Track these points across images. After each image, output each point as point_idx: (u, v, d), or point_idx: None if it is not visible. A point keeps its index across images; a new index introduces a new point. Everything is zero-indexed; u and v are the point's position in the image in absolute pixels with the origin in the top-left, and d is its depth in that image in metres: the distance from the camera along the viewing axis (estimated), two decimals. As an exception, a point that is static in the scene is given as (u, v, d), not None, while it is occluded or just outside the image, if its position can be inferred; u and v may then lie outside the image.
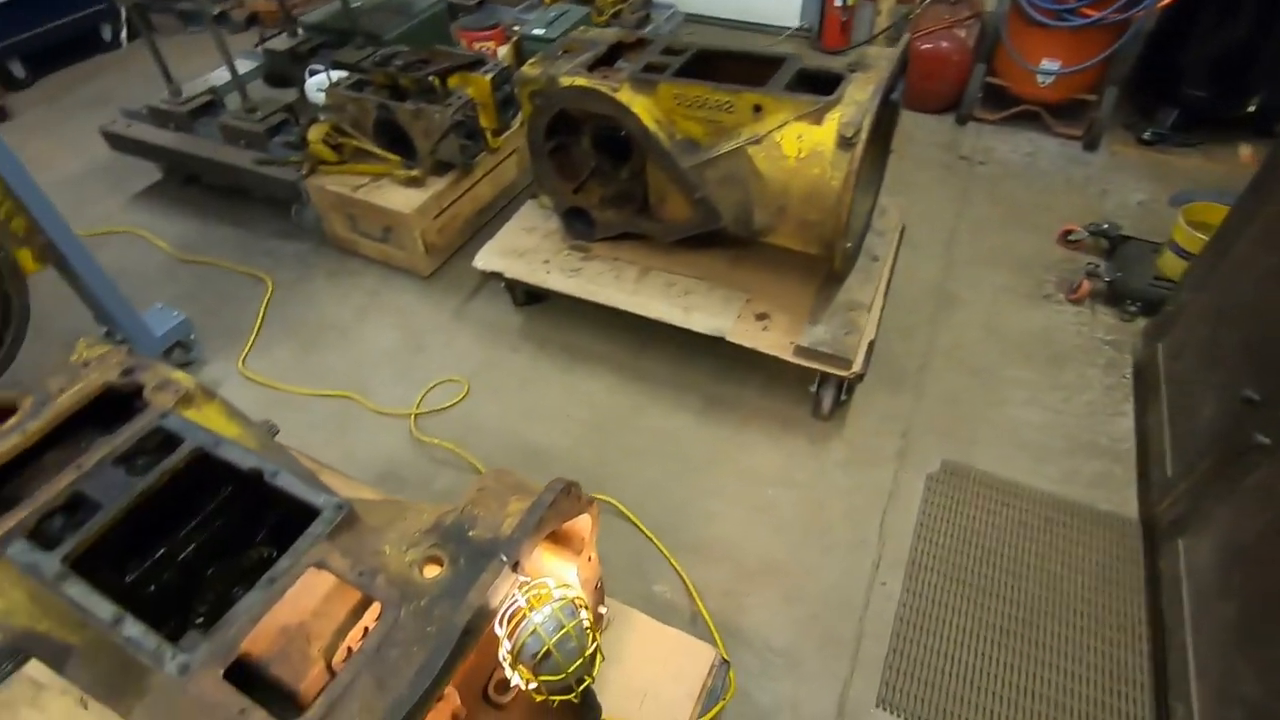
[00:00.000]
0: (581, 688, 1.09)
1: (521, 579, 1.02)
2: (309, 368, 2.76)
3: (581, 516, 1.15)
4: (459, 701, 1.29)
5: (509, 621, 1.04)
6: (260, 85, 4.06)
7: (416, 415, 2.55)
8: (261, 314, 2.98)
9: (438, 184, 3.00)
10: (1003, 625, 1.94)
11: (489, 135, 3.14)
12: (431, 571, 1.03)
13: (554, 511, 1.04)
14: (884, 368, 2.60)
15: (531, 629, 1.00)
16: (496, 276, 2.73)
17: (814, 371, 2.31)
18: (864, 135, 1.98)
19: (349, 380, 2.70)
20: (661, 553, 2.12)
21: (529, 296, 2.89)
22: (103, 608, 1.00)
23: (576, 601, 1.07)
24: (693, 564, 2.10)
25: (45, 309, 2.63)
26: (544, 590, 1.04)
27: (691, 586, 2.04)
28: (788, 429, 2.45)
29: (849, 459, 2.36)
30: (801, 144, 2.08)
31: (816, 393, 2.40)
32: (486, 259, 2.71)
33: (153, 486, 1.17)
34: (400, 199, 2.93)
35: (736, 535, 2.17)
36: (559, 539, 1.25)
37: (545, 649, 1.00)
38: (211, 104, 3.51)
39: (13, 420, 1.30)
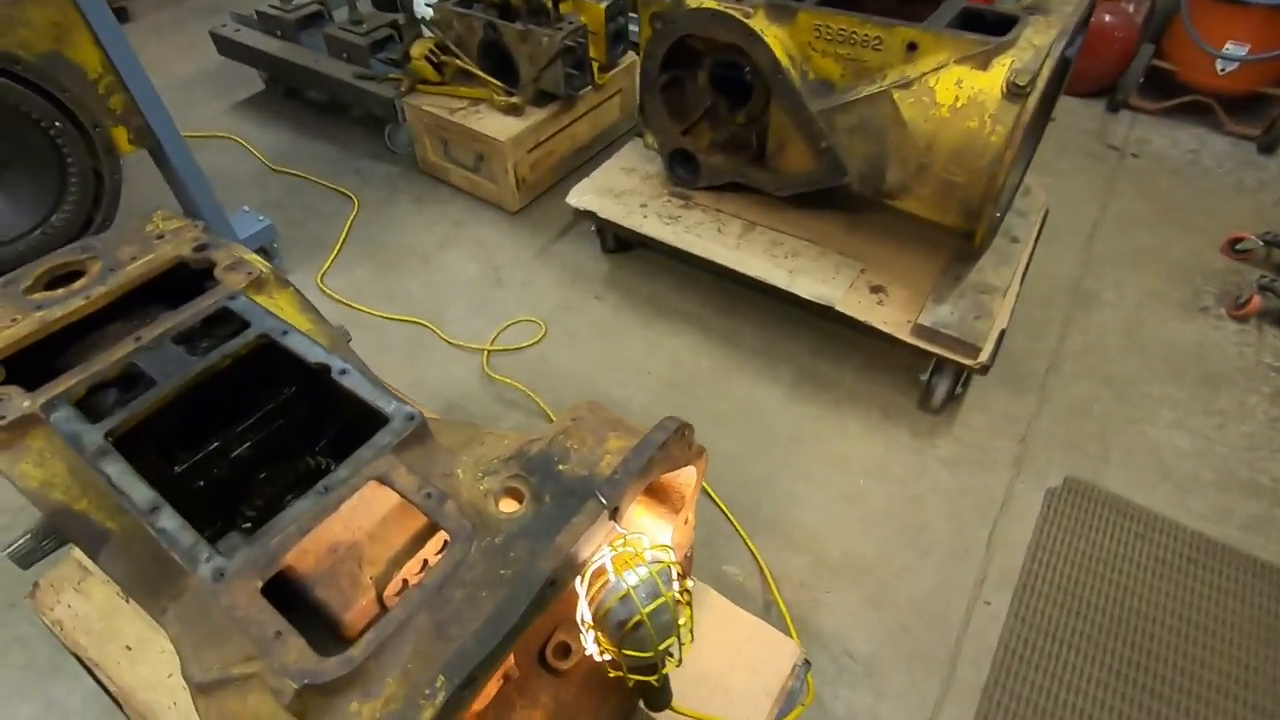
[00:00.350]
0: (665, 669, 0.91)
1: (618, 530, 0.84)
2: (386, 290, 2.67)
3: (687, 469, 0.96)
4: (513, 659, 1.14)
5: (594, 579, 0.86)
6: (368, 5, 3.97)
7: (490, 352, 2.42)
8: (345, 232, 2.90)
9: (537, 114, 2.83)
10: (1125, 672, 1.67)
11: (595, 69, 2.94)
12: (509, 506, 0.87)
13: (664, 454, 0.85)
14: (1006, 364, 2.31)
15: (623, 592, 0.82)
16: (586, 218, 2.55)
17: (928, 357, 2.05)
18: (1040, 85, 1.69)
19: (424, 308, 2.59)
20: (736, 530, 1.93)
21: (618, 242, 2.71)
22: (140, 492, 0.88)
23: (675, 568, 0.88)
24: (769, 547, 1.90)
25: (138, 200, 2.62)
26: (639, 549, 0.86)
27: (768, 571, 1.84)
28: (888, 417, 2.20)
29: (956, 458, 2.10)
30: (960, 91, 1.80)
31: (928, 381, 2.14)
32: (580, 196, 2.53)
33: (212, 368, 1.04)
34: (496, 126, 2.78)
35: (820, 524, 1.95)
36: (654, 492, 1.07)
37: (636, 619, 0.82)
38: (319, 15, 3.44)
39: (78, 283, 1.20)
